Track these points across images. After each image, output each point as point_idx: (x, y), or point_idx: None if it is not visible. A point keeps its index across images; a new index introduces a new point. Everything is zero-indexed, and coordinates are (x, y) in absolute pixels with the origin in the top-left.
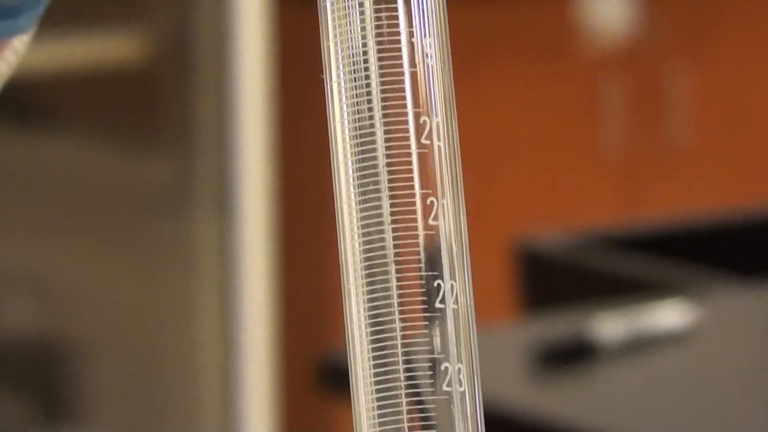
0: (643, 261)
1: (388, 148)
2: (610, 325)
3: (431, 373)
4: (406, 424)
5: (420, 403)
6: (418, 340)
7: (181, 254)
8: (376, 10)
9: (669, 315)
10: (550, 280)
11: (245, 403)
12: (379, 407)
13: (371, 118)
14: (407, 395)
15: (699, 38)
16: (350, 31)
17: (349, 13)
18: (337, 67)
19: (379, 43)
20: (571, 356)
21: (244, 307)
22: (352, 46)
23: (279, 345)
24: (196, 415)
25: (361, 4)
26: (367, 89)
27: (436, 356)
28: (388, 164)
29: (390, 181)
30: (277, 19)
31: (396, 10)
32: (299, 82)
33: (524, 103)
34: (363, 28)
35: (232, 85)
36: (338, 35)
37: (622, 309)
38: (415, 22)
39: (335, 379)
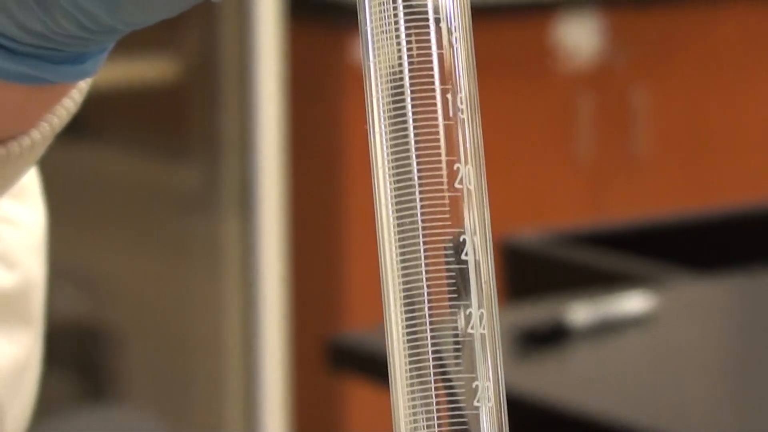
0: (610, 255)
1: (419, 155)
2: (581, 312)
3: (455, 315)
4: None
5: (440, 344)
6: (442, 288)
7: (207, 249)
8: (408, 34)
9: (632, 303)
10: (530, 273)
11: (263, 382)
12: (411, 356)
13: (406, 130)
14: (432, 338)
15: (658, 60)
16: (388, 51)
17: (387, 36)
18: (377, 86)
19: (410, 62)
20: (547, 338)
21: (262, 295)
22: (390, 65)
23: (293, 328)
24: (220, 392)
25: (397, 29)
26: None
27: (461, 303)
28: (419, 169)
29: (421, 184)
30: (290, 43)
31: (428, 32)
32: (310, 97)
33: (507, 117)
34: (399, 50)
35: (251, 101)
36: (378, 56)
37: (591, 297)
38: (444, 43)
39: (343, 358)
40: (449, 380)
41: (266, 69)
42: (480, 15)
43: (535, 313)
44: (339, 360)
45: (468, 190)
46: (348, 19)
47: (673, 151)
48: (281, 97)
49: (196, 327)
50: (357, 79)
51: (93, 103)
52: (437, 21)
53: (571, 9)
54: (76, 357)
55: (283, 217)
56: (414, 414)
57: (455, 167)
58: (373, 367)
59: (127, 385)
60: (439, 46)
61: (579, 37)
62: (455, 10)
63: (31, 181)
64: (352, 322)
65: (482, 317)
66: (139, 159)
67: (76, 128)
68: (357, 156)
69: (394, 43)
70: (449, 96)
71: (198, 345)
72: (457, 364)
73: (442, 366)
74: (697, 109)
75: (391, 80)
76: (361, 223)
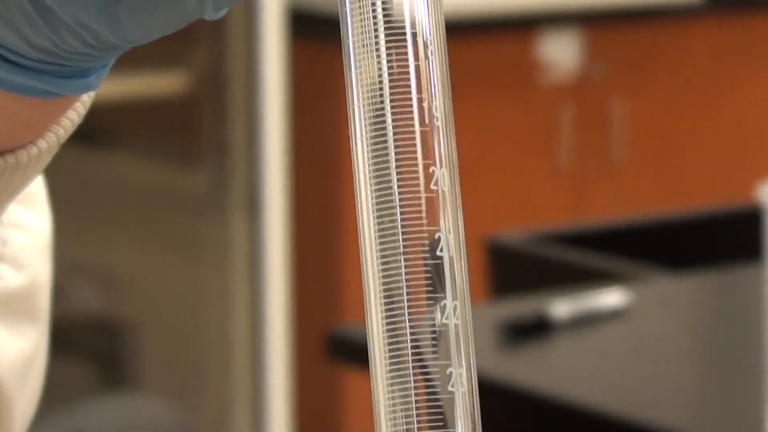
0: (590, 254)
1: (398, 159)
2: (562, 306)
3: (432, 307)
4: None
5: (418, 333)
6: (419, 281)
7: (216, 248)
8: (388, 48)
9: (610, 298)
10: (515, 270)
11: (268, 371)
12: (391, 363)
13: (384, 136)
14: (411, 321)
15: (634, 73)
16: (368, 65)
17: (367, 50)
18: (358, 95)
19: (390, 73)
20: (531, 331)
21: (267, 291)
22: (370, 76)
23: (295, 321)
24: (228, 380)
25: (377, 43)
26: (382, 117)
27: (436, 295)
28: (399, 173)
29: (400, 186)
30: (292, 58)
31: (405, 46)
32: (311, 107)
33: (493, 126)
34: (379, 62)
35: (257, 111)
36: (359, 68)
37: (572, 293)
38: (421, 56)
39: (341, 349)
40: (425, 367)
41: (270, 81)
42: (467, 31)
43: (519, 307)
44: (338, 350)
45: (442, 191)
46: None
47: (648, 157)
48: (284, 107)
49: (206, 320)
50: None
51: (112, 114)
52: (414, 35)
53: (552, 26)
54: (95, 349)
55: (287, 217)
56: (393, 399)
57: (431, 170)
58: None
59: (142, 375)
60: (416, 58)
61: (560, 52)
62: (430, 25)
63: (37, 187)
64: (350, 316)
65: (456, 309)
66: (153, 165)
67: (96, 137)
68: None
69: (374, 56)
70: (425, 105)
71: (208, 337)
72: (434, 353)
73: (419, 354)
74: (669, 118)
75: (371, 90)
76: None
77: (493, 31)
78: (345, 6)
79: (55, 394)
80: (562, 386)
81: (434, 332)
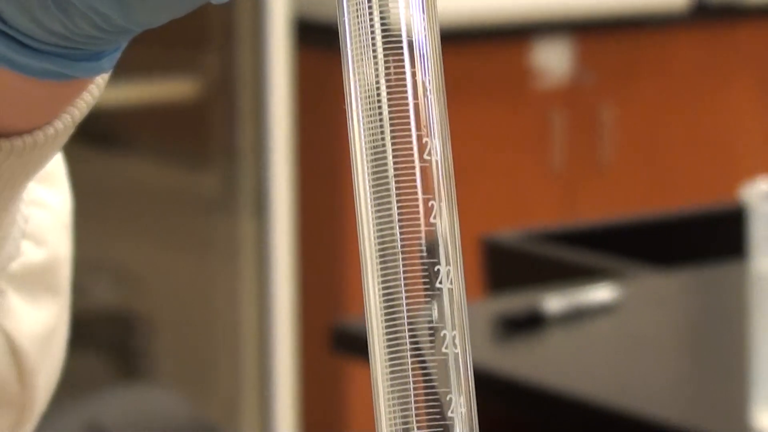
0: (581, 252)
1: (395, 161)
2: (555, 301)
3: (432, 338)
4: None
5: (423, 362)
6: (421, 313)
7: (226, 246)
8: (386, 55)
9: (600, 293)
10: (510, 267)
11: (275, 362)
12: (391, 372)
13: (383, 138)
14: (413, 356)
15: (623, 80)
16: (366, 71)
17: (365, 57)
18: (356, 98)
19: (387, 79)
20: (525, 325)
21: (274, 286)
22: (367, 81)
23: (301, 315)
24: (237, 371)
25: (374, 50)
26: (379, 116)
27: (435, 325)
28: (396, 174)
29: (398, 188)
30: (298, 65)
31: (402, 53)
32: (315, 112)
33: (489, 130)
34: (376, 69)
35: (264, 116)
36: (357, 74)
37: (564, 289)
38: (417, 63)
39: (346, 342)
40: (414, 330)
41: (277, 88)
42: (465, 40)
43: (514, 302)
44: (341, 343)
45: (435, 161)
46: None
47: (636, 159)
48: (290, 112)
49: (216, 314)
50: None
51: (127, 118)
52: (410, 44)
53: (545, 35)
54: (111, 341)
55: (293, 217)
56: (391, 371)
57: (424, 141)
58: None
59: (155, 366)
60: (412, 64)
61: (552, 59)
62: (425, 32)
63: (57, 166)
64: (352, 310)
65: (449, 273)
66: (166, 167)
67: (112, 141)
68: None
69: (372, 63)
70: (417, 78)
71: (217, 330)
72: (427, 309)
73: (411, 310)
74: (656, 122)
75: (368, 96)
76: None
77: (489, 39)
78: (344, 15)
79: (73, 384)
80: (554, 377)
81: (429, 292)
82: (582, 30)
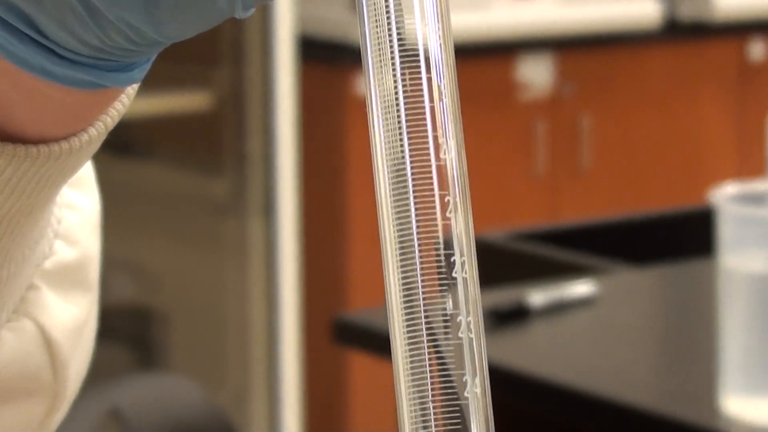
0: (562, 250)
1: (413, 162)
2: (538, 296)
3: (449, 324)
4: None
5: (439, 347)
6: (431, 238)
7: (236, 246)
8: (402, 64)
9: (580, 288)
10: (496, 264)
11: (282, 354)
12: (411, 356)
13: (401, 140)
14: (430, 341)
15: (601, 92)
16: (385, 79)
17: (383, 65)
18: (377, 105)
19: (404, 86)
20: (510, 318)
21: (281, 283)
22: (386, 89)
23: (306, 310)
24: (246, 362)
25: (392, 58)
26: (398, 120)
27: (452, 312)
28: (413, 173)
29: (415, 185)
30: (303, 79)
31: (419, 63)
32: (319, 123)
33: (477, 139)
34: (395, 76)
35: (272, 126)
36: (377, 81)
37: (546, 284)
38: (432, 70)
39: (347, 334)
40: (431, 306)
41: (283, 100)
42: (455, 56)
43: (500, 297)
44: (343, 336)
45: (450, 159)
46: (351, 58)
47: (613, 165)
48: (295, 122)
49: (226, 309)
50: (356, 108)
51: (145, 128)
52: (426, 52)
53: (529, 51)
54: (130, 334)
55: (298, 219)
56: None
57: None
58: (372, 341)
59: (171, 357)
60: (428, 70)
61: (536, 73)
62: (441, 49)
63: (87, 172)
64: (353, 304)
65: (464, 264)
66: (180, 173)
67: (131, 149)
68: (356, 169)
69: (390, 71)
70: (432, 85)
71: (228, 324)
72: (442, 295)
73: (428, 298)
74: (632, 131)
75: (387, 102)
76: (361, 223)
77: (478, 55)
78: (365, 28)
79: (94, 374)
80: (538, 365)
81: (443, 282)
82: (563, 46)
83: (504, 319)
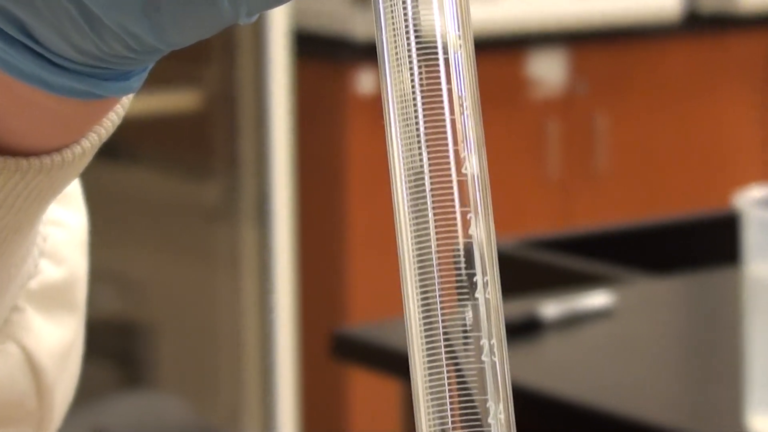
0: (576, 258)
1: (432, 175)
2: (551, 307)
3: (471, 347)
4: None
5: (460, 371)
6: (450, 259)
7: (228, 254)
8: (419, 65)
9: (595, 299)
10: (507, 273)
11: (277, 369)
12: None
13: (420, 155)
14: (450, 365)
15: (616, 90)
16: (403, 83)
17: (402, 68)
18: (394, 116)
19: (423, 93)
20: (522, 330)
21: (276, 294)
22: (404, 94)
23: (302, 323)
24: (239, 378)
25: (410, 60)
26: (417, 133)
27: (474, 334)
28: (433, 188)
29: (434, 201)
30: (298, 76)
31: (438, 66)
32: (316, 123)
33: (486, 139)
34: (412, 81)
35: (265, 127)
36: (395, 86)
37: (560, 295)
38: (453, 80)
39: (347, 349)
40: (459, 339)
41: (277, 99)
42: None
43: (511, 308)
44: (342, 350)
45: (472, 174)
46: (349, 54)
47: (630, 167)
48: (290, 122)
49: (218, 322)
50: (357, 107)
51: (131, 130)
52: (446, 60)
53: (540, 46)
54: (114, 349)
55: (293, 226)
56: (429, 366)
57: (463, 170)
58: (374, 357)
59: (159, 373)
60: (448, 80)
61: (547, 70)
62: (460, 34)
63: (73, 187)
64: (353, 318)
65: (487, 284)
66: (168, 177)
67: (116, 151)
68: (356, 173)
69: (407, 69)
70: (453, 92)
71: (220, 338)
72: (461, 317)
73: (449, 320)
74: (649, 131)
75: (403, 96)
76: (361, 231)
77: (486, 50)
78: (380, 22)
79: (77, 393)
80: (551, 382)
81: (464, 305)
82: (576, 41)
83: (514, 332)
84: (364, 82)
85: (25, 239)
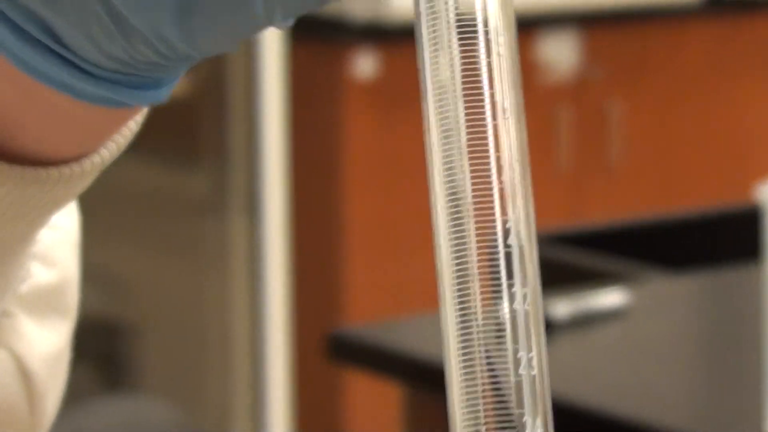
0: (589, 255)
1: (474, 184)
2: (562, 306)
3: (508, 360)
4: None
5: (498, 384)
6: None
7: (216, 250)
8: (460, 47)
9: (609, 298)
10: None
11: (269, 372)
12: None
13: (461, 163)
14: (488, 378)
15: (631, 75)
16: (441, 64)
17: (440, 52)
18: (432, 100)
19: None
20: None
21: (267, 293)
22: (442, 79)
23: (296, 323)
24: (229, 381)
25: (449, 45)
26: (458, 141)
27: (513, 346)
28: (474, 197)
29: (476, 209)
30: (292, 60)
31: (477, 50)
32: (310, 109)
33: None
34: (452, 64)
35: (257, 114)
36: (432, 70)
37: (572, 293)
38: (495, 85)
39: (343, 350)
40: (497, 351)
41: (270, 84)
42: None
43: None
44: (338, 352)
45: (513, 184)
46: (346, 36)
47: (646, 158)
48: (284, 109)
49: (207, 322)
50: (354, 92)
51: None
52: (486, 33)
53: (551, 28)
54: (97, 350)
55: (286, 220)
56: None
57: (502, 163)
58: (368, 358)
59: (143, 376)
60: (488, 54)
61: (558, 53)
62: (500, 20)
63: None
64: (350, 318)
65: (526, 295)
66: (154, 167)
67: None
68: (354, 163)
69: (447, 54)
70: (497, 98)
71: (209, 338)
72: (499, 338)
73: (485, 340)
74: (667, 119)
75: (440, 88)
76: (359, 226)
77: None
78: (419, 6)
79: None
80: (562, 385)
81: (502, 319)
82: (589, 23)
83: None
84: (362, 65)
85: (28, 246)
